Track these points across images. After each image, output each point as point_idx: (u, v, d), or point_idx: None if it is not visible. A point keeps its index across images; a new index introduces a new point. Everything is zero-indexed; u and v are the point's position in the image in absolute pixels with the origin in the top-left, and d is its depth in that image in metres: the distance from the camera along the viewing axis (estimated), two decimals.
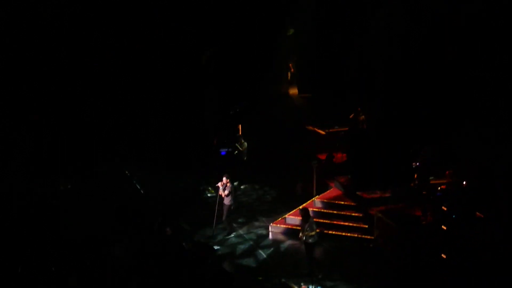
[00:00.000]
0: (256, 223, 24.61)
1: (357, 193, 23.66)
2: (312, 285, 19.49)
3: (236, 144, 27.99)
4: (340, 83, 26.43)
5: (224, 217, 23.64)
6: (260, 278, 20.58)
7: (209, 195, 26.62)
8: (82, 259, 20.04)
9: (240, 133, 28.52)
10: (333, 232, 22.60)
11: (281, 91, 30.30)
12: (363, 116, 25.98)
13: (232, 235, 23.48)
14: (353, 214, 23.38)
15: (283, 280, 19.77)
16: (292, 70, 31.97)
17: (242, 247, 22.83)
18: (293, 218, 23.58)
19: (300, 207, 23.49)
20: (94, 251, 20.98)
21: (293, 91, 29.61)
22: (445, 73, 22.94)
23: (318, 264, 20.38)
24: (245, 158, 27.86)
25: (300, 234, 20.57)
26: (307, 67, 28.85)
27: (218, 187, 23.71)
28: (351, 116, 26.18)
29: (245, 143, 27.92)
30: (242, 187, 27.79)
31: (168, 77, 30.95)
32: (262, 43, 29.77)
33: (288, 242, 22.69)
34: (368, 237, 22.25)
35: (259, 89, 29.95)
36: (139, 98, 30.58)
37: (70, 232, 22.82)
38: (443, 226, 20.02)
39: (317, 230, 20.42)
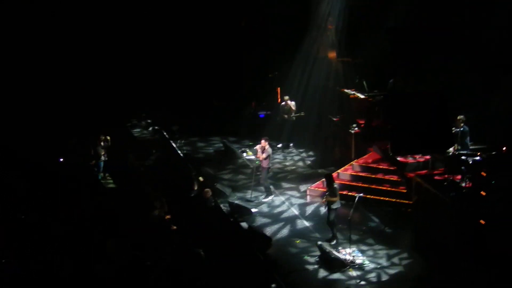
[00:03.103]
0: (294, 186, 24.70)
1: (396, 157, 23.56)
2: (350, 249, 19.56)
3: (283, 104, 27.99)
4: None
5: (262, 180, 23.73)
6: (298, 241, 20.70)
7: (247, 157, 26.66)
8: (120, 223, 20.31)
9: (279, 96, 28.48)
10: (371, 197, 22.51)
11: (319, 54, 30.08)
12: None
13: (270, 198, 23.57)
14: (392, 179, 23.33)
15: (319, 243, 19.83)
16: (331, 32, 31.59)
17: (279, 210, 22.94)
18: None
19: (340, 171, 23.69)
20: (134, 214, 21.25)
21: (332, 54, 29.39)
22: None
23: (352, 228, 20.33)
24: (294, 118, 27.89)
25: (323, 199, 20.68)
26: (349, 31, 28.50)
27: (256, 150, 23.80)
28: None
29: (293, 103, 27.93)
30: (279, 146, 27.88)
31: (208, 41, 31.03)
32: (299, 5, 29.58)
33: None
34: (406, 201, 22.19)
35: (297, 52, 29.79)
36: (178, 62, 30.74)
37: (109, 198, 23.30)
38: (482, 192, 19.87)
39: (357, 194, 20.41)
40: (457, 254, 18.87)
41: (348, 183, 23.57)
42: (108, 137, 25.41)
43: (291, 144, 28.33)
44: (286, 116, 27.89)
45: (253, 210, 22.60)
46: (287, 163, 27.05)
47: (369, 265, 19.08)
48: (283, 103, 28.06)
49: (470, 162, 20.58)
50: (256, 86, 30.74)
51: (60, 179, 23.23)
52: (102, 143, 25.40)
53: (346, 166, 24.43)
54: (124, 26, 31.37)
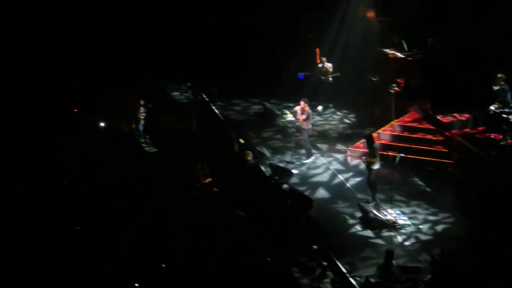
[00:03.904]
0: (334, 147, 24.71)
1: (436, 116, 23.45)
2: (391, 209, 19.60)
3: (320, 66, 27.79)
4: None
5: (302, 142, 23.77)
6: (338, 202, 20.80)
7: (287, 119, 26.70)
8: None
9: (318, 57, 28.30)
10: (412, 156, 22.46)
11: (357, 13, 29.84)
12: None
13: (311, 159, 23.62)
14: (432, 138, 23.24)
15: (360, 203, 19.92)
16: None
17: (320, 171, 23.02)
18: None
19: (380, 131, 23.79)
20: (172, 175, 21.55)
21: (370, 13, 29.14)
22: None
23: (393, 188, 20.34)
24: (331, 80, 27.68)
25: (363, 159, 20.71)
26: None
27: (295, 111, 23.82)
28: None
29: (330, 64, 27.68)
30: (319, 108, 27.78)
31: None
32: None
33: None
34: (447, 161, 22.15)
35: (335, 12, 29.59)
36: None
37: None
38: None
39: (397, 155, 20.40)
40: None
41: (388, 143, 23.53)
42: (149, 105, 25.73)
43: (331, 105, 28.23)
44: (323, 77, 27.74)
45: (294, 171, 22.67)
46: (327, 124, 26.99)
47: (410, 225, 19.16)
48: (320, 64, 27.90)
49: (511, 120, 20.49)
50: (295, 47, 30.53)
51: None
52: (141, 107, 25.65)
53: (386, 126, 24.36)
54: None
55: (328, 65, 27.70)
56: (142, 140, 25.89)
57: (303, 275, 17.39)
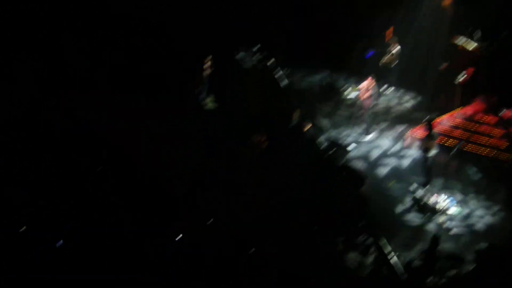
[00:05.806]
0: (394, 128, 24.59)
1: (501, 109, 23.19)
2: (443, 196, 19.53)
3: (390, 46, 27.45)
4: None
5: (363, 118, 23.73)
6: (391, 183, 20.78)
7: (351, 94, 26.55)
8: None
9: (390, 35, 27.91)
10: (471, 147, 22.31)
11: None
12: None
13: (369, 137, 23.60)
14: (493, 131, 22.98)
15: (413, 187, 19.88)
16: None
17: (377, 150, 23.00)
18: None
19: (442, 118, 23.56)
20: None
21: (446, 1, 28.70)
22: None
23: (448, 175, 20.21)
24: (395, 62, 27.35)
25: (422, 144, 20.60)
26: None
27: (361, 87, 23.75)
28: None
29: (398, 46, 27.30)
30: (385, 87, 27.59)
31: None
32: None
33: None
34: (507, 155, 21.90)
35: None
36: None
37: None
38: None
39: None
40: None
41: (448, 130, 23.34)
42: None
43: (397, 86, 27.87)
44: (386, 58, 27.34)
45: (351, 147, 22.69)
46: (390, 104, 26.80)
47: (461, 213, 19.08)
48: (391, 45, 27.49)
49: None
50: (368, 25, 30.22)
51: None
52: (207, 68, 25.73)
53: (448, 114, 24.17)
54: None
55: (396, 48, 27.31)
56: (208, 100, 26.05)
57: (347, 250, 17.49)
